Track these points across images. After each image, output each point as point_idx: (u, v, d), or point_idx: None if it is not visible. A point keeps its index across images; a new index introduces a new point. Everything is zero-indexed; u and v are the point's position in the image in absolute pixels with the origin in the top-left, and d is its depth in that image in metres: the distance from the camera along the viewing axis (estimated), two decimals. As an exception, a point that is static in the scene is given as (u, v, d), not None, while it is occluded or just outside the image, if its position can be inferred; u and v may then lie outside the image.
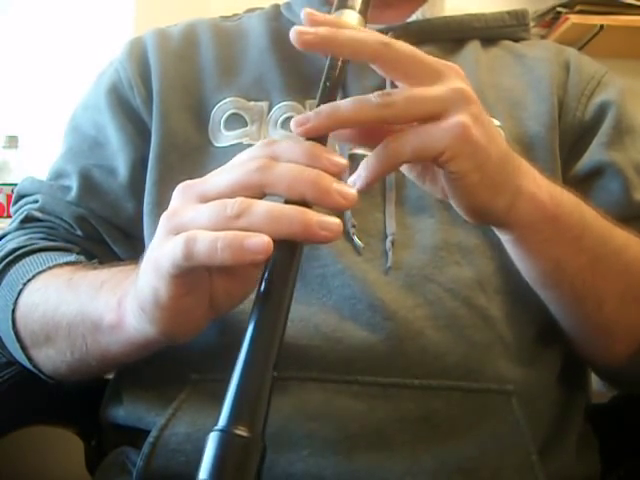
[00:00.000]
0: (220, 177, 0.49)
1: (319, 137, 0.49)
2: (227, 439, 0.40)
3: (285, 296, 0.45)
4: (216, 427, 0.41)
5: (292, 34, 0.48)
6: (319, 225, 0.45)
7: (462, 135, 0.49)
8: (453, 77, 0.51)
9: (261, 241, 0.44)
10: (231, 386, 0.42)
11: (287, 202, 0.46)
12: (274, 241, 0.44)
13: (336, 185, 0.46)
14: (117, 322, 0.58)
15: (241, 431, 0.40)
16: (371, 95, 0.49)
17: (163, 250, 0.48)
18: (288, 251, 0.46)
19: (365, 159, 0.51)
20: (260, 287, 0.46)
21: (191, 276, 0.49)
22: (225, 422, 0.41)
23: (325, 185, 0.46)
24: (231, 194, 0.47)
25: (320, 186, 0.46)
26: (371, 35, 0.50)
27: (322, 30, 0.49)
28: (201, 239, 0.46)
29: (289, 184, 0.46)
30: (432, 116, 0.49)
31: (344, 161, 0.47)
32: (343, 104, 0.49)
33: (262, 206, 0.46)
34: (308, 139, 0.49)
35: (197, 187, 0.50)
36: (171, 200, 0.51)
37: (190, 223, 0.47)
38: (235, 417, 0.41)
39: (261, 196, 0.47)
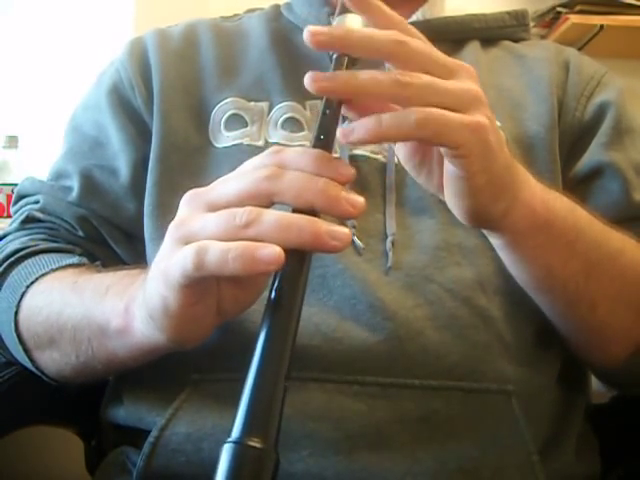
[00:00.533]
0: (228, 185, 0.48)
1: (325, 145, 0.48)
2: (241, 451, 0.40)
3: (295, 306, 0.45)
4: (229, 439, 0.41)
5: (306, 34, 0.47)
6: (329, 235, 0.45)
7: (480, 135, 0.49)
8: (465, 77, 0.50)
9: (273, 252, 0.44)
10: (243, 397, 0.42)
11: (295, 211, 0.46)
12: (283, 250, 0.44)
13: (344, 194, 0.46)
14: (124, 327, 0.58)
15: (255, 443, 0.40)
16: (391, 72, 0.48)
17: (172, 260, 0.48)
18: (297, 260, 0.45)
19: (380, 116, 0.47)
20: (270, 297, 0.45)
21: (200, 285, 0.49)
22: (238, 434, 0.41)
23: (334, 194, 0.45)
24: (239, 203, 0.47)
25: (329, 195, 0.45)
26: (386, 34, 0.49)
27: (336, 30, 0.49)
28: (212, 249, 0.45)
29: (298, 193, 0.46)
30: (446, 108, 0.48)
31: (352, 170, 0.47)
32: (362, 73, 0.47)
33: (271, 215, 0.45)
34: (316, 144, 0.48)
35: (205, 196, 0.49)
36: (178, 208, 0.50)
37: (199, 232, 0.47)
38: (248, 429, 0.41)
39: (269, 205, 0.47)
